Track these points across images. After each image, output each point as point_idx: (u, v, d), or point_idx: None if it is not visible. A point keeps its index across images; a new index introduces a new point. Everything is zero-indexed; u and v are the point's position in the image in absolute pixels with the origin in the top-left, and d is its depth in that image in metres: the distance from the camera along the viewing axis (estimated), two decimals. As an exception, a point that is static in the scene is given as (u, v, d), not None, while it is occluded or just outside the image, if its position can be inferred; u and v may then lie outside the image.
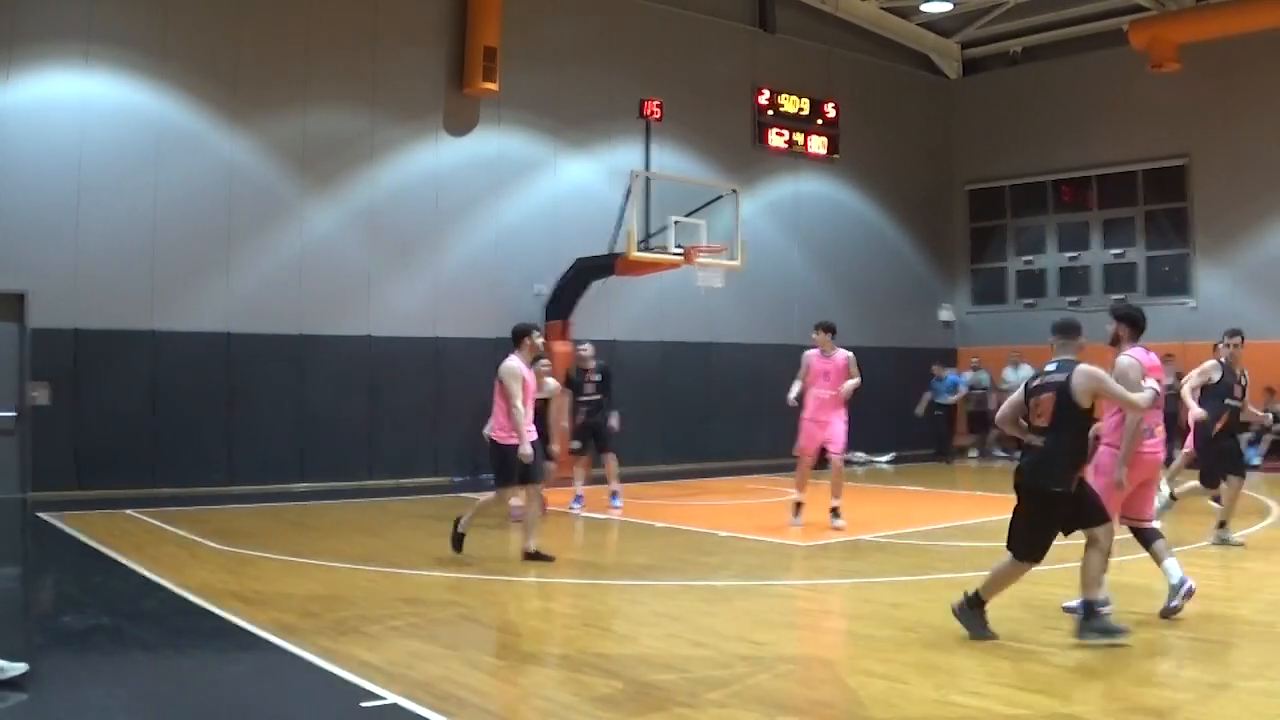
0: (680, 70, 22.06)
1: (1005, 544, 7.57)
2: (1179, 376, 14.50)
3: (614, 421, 15.35)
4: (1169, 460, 11.26)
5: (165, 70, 16.79)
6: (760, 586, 9.74)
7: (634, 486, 15.92)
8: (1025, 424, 7.57)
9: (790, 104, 23.96)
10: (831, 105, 24.54)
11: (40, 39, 15.89)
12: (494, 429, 11.11)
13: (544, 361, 13.33)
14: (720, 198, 18.85)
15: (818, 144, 24.41)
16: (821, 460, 13.40)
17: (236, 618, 8.07)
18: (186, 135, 16.99)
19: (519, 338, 11.12)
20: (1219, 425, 11.52)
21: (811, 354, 13.26)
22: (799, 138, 24.11)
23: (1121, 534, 8.23)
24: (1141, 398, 7.47)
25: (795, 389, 13.27)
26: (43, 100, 15.96)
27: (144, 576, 9.81)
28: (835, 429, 13.00)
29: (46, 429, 15.72)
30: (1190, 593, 7.88)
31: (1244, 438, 15.43)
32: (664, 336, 21.66)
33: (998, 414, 8.03)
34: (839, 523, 12.60)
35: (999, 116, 26.39)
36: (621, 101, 20.07)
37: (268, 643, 7.40)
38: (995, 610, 8.40)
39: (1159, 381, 7.99)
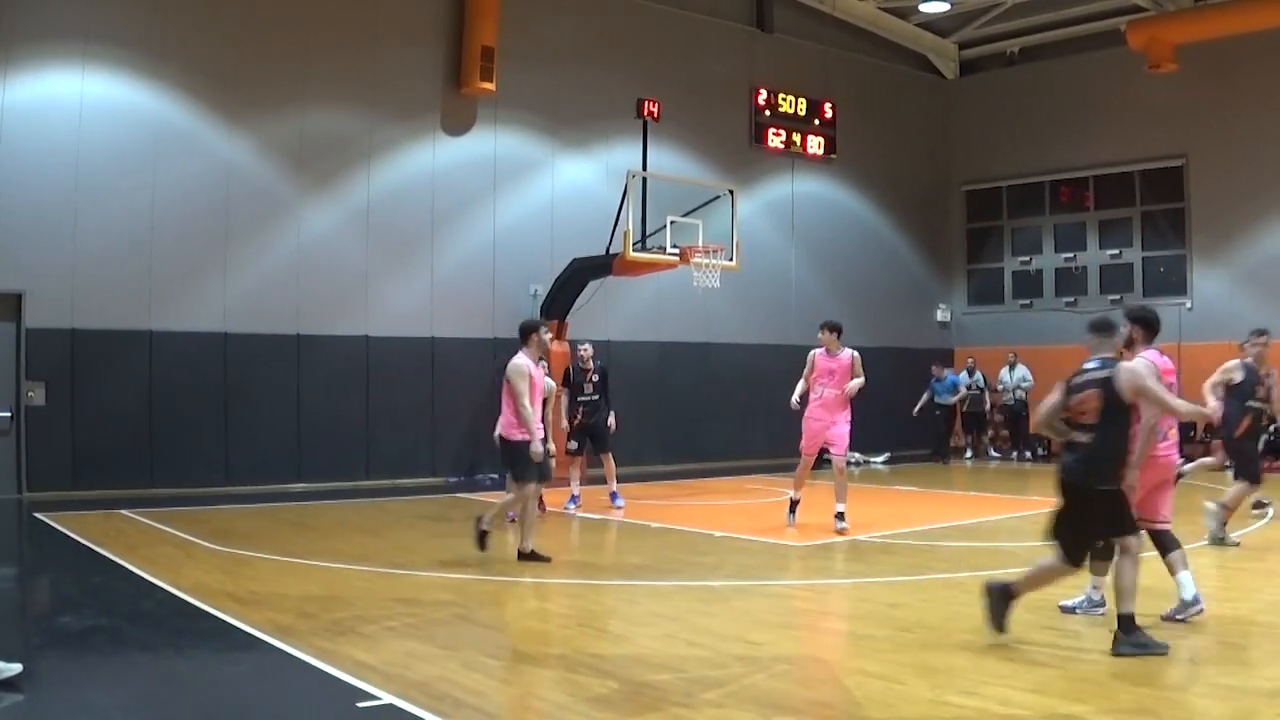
0: (678, 70, 22.07)
1: (1049, 541, 7.41)
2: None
3: (611, 421, 15.37)
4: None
5: (163, 70, 16.78)
6: (757, 586, 9.73)
7: (631, 487, 15.92)
8: (1065, 423, 7.43)
9: (788, 104, 23.97)
10: (829, 105, 24.55)
11: (38, 39, 15.88)
12: (503, 427, 11.01)
13: (540, 362, 13.30)
14: (717, 198, 18.84)
15: (815, 144, 24.42)
16: (820, 460, 13.40)
17: (233, 618, 8.06)
18: (184, 135, 16.99)
19: (526, 334, 11.06)
20: (1242, 428, 11.46)
21: (817, 353, 13.08)
22: (796, 138, 24.12)
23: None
24: (1183, 405, 7.33)
25: (799, 390, 13.17)
26: (40, 100, 15.95)
27: (140, 577, 9.80)
28: (839, 430, 12.87)
29: (43, 429, 15.72)
30: (1200, 612, 7.81)
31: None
32: (661, 337, 21.67)
33: (1036, 418, 7.84)
34: (842, 526, 12.50)
35: (996, 117, 26.42)
36: (619, 101, 20.07)
37: (264, 643, 7.39)
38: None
39: (1170, 386, 7.94)
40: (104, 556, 10.92)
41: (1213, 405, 11.28)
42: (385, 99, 18.78)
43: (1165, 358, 8.09)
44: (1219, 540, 11.28)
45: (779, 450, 21.45)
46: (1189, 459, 11.42)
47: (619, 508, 14.98)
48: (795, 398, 13.22)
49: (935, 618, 8.19)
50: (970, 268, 27.41)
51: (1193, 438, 19.69)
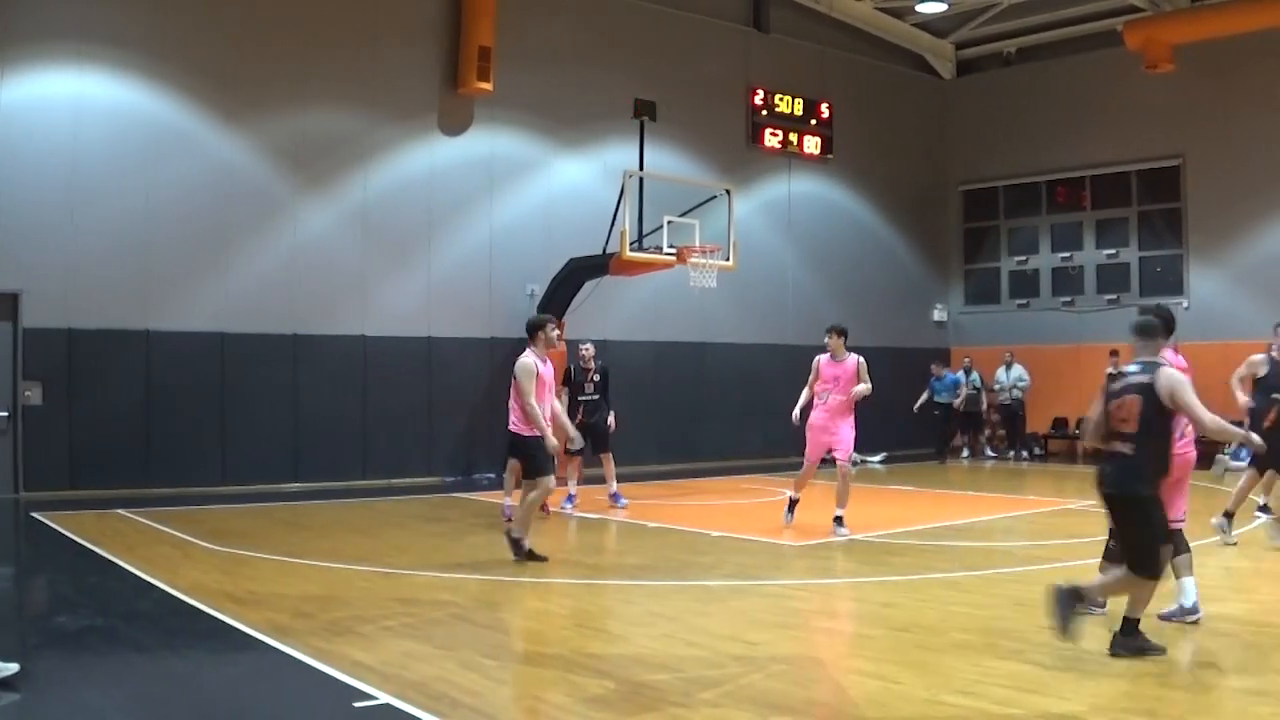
0: (675, 70, 22.07)
1: (1128, 561, 7.06)
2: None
3: (611, 421, 15.38)
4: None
5: (160, 70, 16.78)
6: (753, 586, 9.74)
7: (628, 486, 15.92)
8: (1106, 432, 7.20)
9: (785, 104, 23.98)
10: (826, 105, 24.57)
11: (35, 38, 15.87)
12: (514, 424, 10.91)
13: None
14: (714, 198, 18.83)
15: (812, 144, 24.43)
16: (823, 459, 13.29)
17: (230, 618, 8.06)
18: (181, 135, 16.98)
19: (533, 331, 11.00)
20: (1270, 419, 11.49)
21: (821, 359, 12.87)
22: (793, 138, 24.13)
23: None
24: (1215, 423, 7.03)
25: (802, 400, 12.97)
26: (37, 99, 15.94)
27: (137, 577, 9.80)
28: (843, 435, 12.72)
29: (40, 429, 15.72)
30: (1197, 622, 7.79)
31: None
32: (658, 336, 21.67)
33: (1085, 430, 7.59)
34: (842, 531, 12.42)
35: (993, 117, 26.44)
36: (616, 101, 20.07)
37: (261, 643, 7.40)
38: (984, 610, 8.45)
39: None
40: (101, 556, 10.92)
41: (1242, 400, 11.49)
42: (382, 99, 18.77)
43: (1180, 357, 8.06)
44: (1222, 531, 11.28)
45: (776, 450, 21.53)
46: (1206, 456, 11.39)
47: (622, 507, 14.95)
48: (797, 412, 13.06)
49: (931, 617, 8.19)
50: (967, 267, 27.44)
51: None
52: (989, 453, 24.72)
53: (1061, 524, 13.75)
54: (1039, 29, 25.45)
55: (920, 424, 23.82)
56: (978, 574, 10.08)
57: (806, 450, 13.00)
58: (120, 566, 10.34)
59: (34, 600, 9.68)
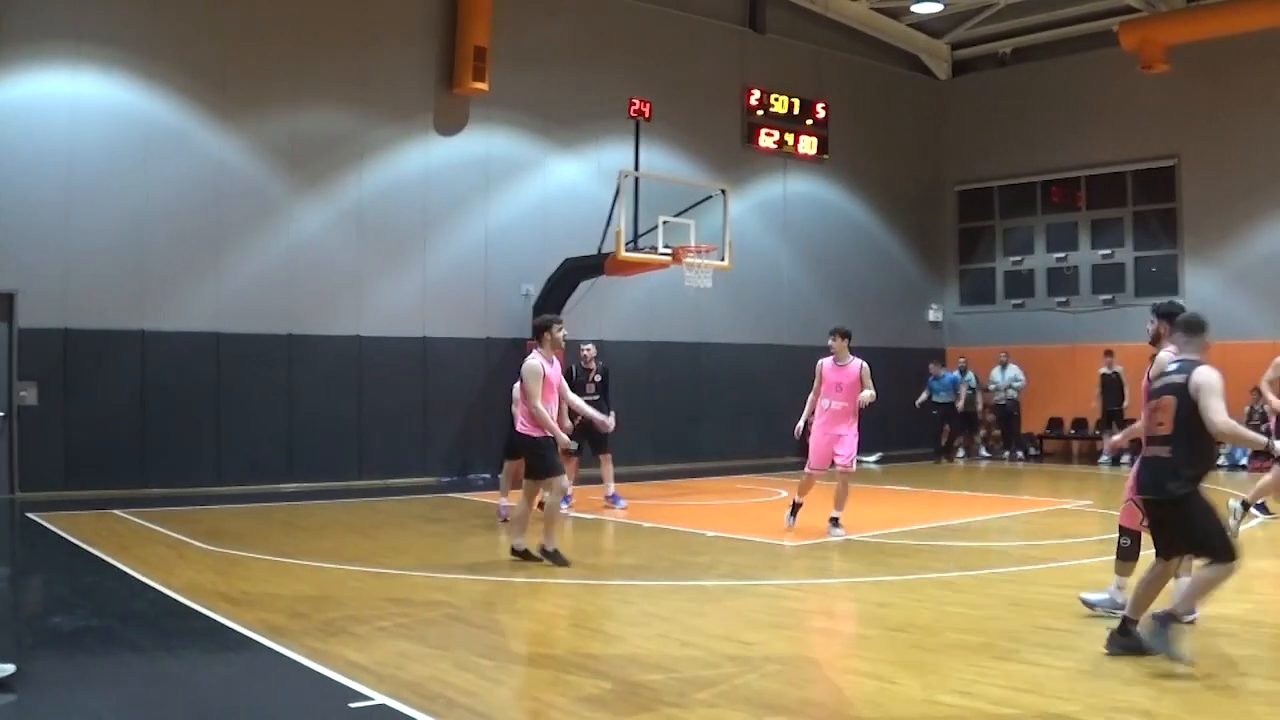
0: (670, 70, 22.08)
1: (1202, 554, 6.87)
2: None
3: (611, 422, 15.35)
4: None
5: (155, 69, 16.77)
6: (749, 586, 9.74)
7: (623, 486, 15.90)
8: (1145, 436, 7.00)
9: (780, 104, 23.98)
10: (821, 105, 24.57)
11: (30, 38, 15.85)
12: (521, 425, 10.82)
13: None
14: (709, 198, 18.84)
15: (807, 144, 24.44)
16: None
17: (225, 618, 8.06)
18: (176, 135, 16.97)
19: (539, 332, 10.94)
20: None
21: (825, 363, 12.76)
22: (789, 138, 24.13)
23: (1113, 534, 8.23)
24: (1226, 424, 6.67)
25: (808, 409, 12.80)
26: (32, 99, 15.93)
27: (133, 577, 9.79)
28: (847, 442, 12.60)
29: (35, 429, 15.70)
30: (1192, 623, 7.77)
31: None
32: (653, 337, 21.67)
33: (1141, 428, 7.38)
34: (838, 532, 12.40)
35: (988, 117, 26.47)
36: (611, 101, 20.07)
37: (256, 643, 7.39)
38: (980, 610, 8.45)
39: None
40: (96, 557, 10.91)
41: (1276, 404, 11.56)
42: (378, 99, 18.77)
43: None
44: (1235, 520, 11.28)
45: (771, 450, 21.54)
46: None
47: (621, 509, 14.93)
48: (800, 424, 12.96)
49: (927, 617, 8.20)
50: (962, 268, 27.46)
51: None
52: (984, 453, 24.73)
53: (1057, 524, 13.77)
54: (1034, 29, 25.47)
55: (915, 424, 23.83)
56: (973, 574, 10.08)
57: (810, 457, 12.79)
58: (116, 567, 10.33)
59: (29, 601, 9.67)
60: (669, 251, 17.75)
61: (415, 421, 18.91)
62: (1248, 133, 22.24)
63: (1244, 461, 20.00)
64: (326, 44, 18.29)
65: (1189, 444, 6.75)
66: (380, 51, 18.82)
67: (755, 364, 22.78)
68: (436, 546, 11.92)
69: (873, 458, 23.12)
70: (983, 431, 25.17)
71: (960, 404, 23.92)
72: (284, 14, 17.97)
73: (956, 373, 24.22)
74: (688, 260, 17.80)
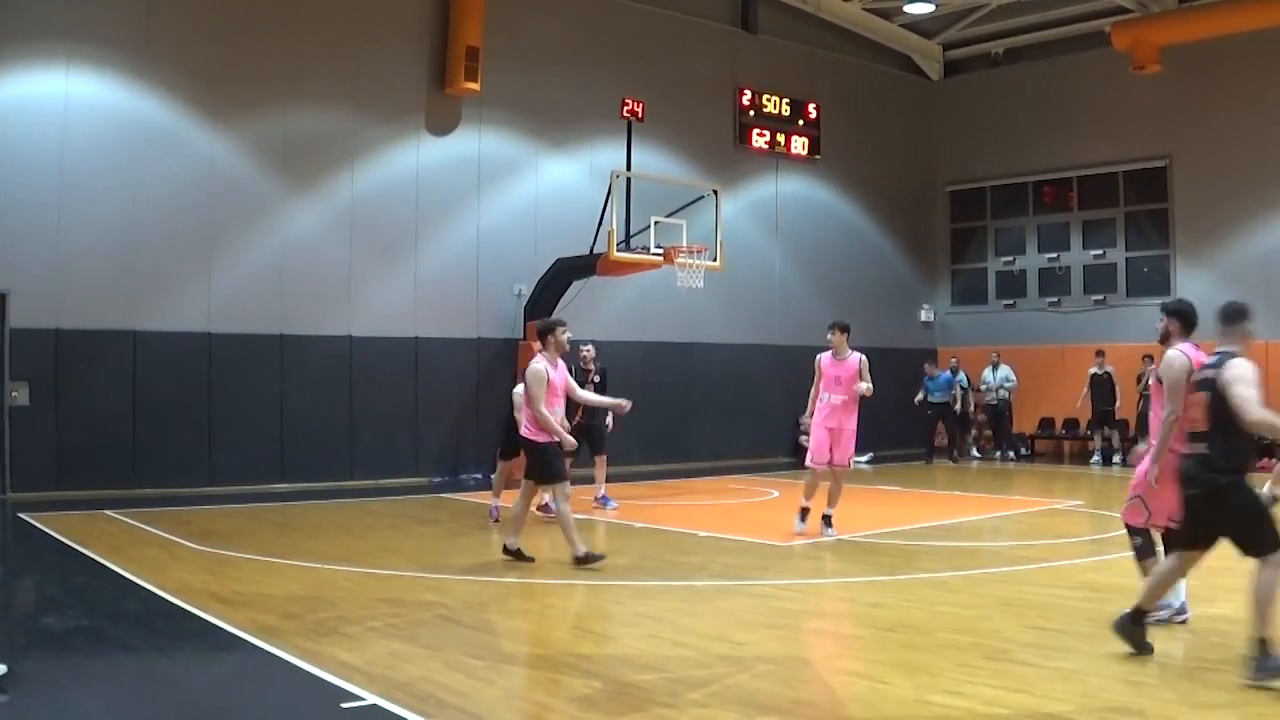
0: (662, 70, 22.08)
1: (1251, 553, 6.71)
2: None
3: (610, 422, 15.36)
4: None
5: (147, 70, 16.73)
6: (740, 586, 9.75)
7: (615, 487, 15.91)
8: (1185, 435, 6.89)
9: (772, 104, 24.00)
10: (813, 106, 24.59)
11: (22, 38, 15.81)
12: (525, 430, 10.74)
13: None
14: (701, 198, 18.85)
15: (799, 144, 24.45)
16: None
17: (216, 619, 8.06)
18: (168, 135, 16.94)
19: (543, 335, 10.84)
20: None
21: (823, 357, 12.75)
22: (780, 138, 24.14)
23: (1116, 531, 8.23)
24: (1260, 414, 6.45)
25: (810, 405, 12.79)
26: (24, 99, 15.89)
27: (124, 578, 9.78)
28: (845, 440, 12.59)
29: (27, 429, 15.66)
30: (1185, 622, 7.79)
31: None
32: (645, 337, 21.67)
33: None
34: (830, 532, 12.39)
35: (980, 118, 26.51)
36: (603, 102, 20.07)
37: (248, 644, 7.39)
38: (973, 610, 8.47)
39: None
40: (88, 557, 10.89)
41: None
42: (370, 99, 18.75)
43: (1200, 352, 7.99)
44: None
45: (763, 450, 21.56)
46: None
47: (612, 510, 14.91)
48: (807, 416, 12.97)
49: (919, 617, 8.21)
50: (954, 268, 27.50)
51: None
52: (974, 453, 24.76)
53: (1048, 524, 13.80)
54: (1026, 30, 25.53)
55: (907, 424, 23.84)
56: (965, 574, 10.10)
57: (811, 454, 12.74)
58: (107, 567, 10.31)
59: (21, 601, 9.65)
60: (661, 252, 17.76)
61: (407, 422, 18.88)
62: (1239, 133, 22.29)
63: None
64: (318, 44, 18.27)
65: (1225, 439, 6.61)
66: (372, 51, 18.80)
67: (747, 364, 22.79)
68: (428, 547, 11.92)
69: (864, 458, 23.13)
70: (974, 432, 25.19)
71: (957, 404, 23.93)
72: (276, 14, 17.94)
73: (948, 373, 24.22)
74: (680, 260, 17.81)
